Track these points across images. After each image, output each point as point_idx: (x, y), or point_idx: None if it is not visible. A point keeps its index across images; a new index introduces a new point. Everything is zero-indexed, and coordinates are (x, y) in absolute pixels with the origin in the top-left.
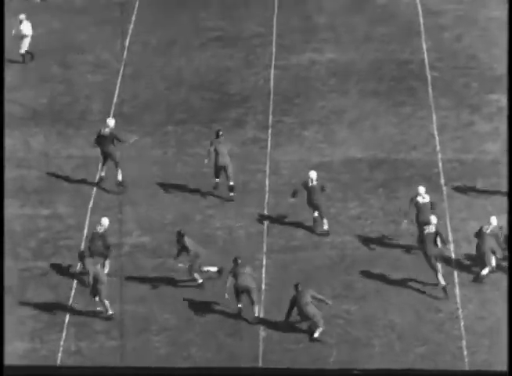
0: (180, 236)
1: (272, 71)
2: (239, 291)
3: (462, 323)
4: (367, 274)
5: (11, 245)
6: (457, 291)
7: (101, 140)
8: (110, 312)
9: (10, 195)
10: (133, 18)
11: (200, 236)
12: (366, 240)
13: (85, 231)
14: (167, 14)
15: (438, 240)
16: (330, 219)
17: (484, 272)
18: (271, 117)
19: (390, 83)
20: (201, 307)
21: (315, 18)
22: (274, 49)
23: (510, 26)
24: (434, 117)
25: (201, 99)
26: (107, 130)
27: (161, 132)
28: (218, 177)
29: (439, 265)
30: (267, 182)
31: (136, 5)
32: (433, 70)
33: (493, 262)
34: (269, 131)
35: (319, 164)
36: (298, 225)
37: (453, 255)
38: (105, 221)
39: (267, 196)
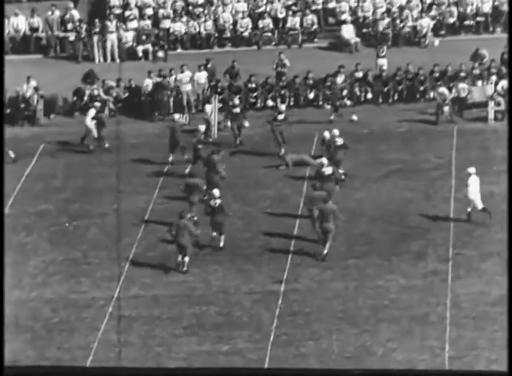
0: None
1: (452, 204)
2: None
3: None
4: None
5: None
6: None
7: None
8: None
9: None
10: None
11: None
12: None
13: (265, 364)
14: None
15: None
16: None
17: None
18: (451, 249)
19: None
20: None
21: (493, 149)
22: (453, 182)
23: None
24: None
25: (382, 231)
26: None
27: (342, 265)
28: None
29: None
30: (448, 315)
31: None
32: None
33: None
34: (450, 263)
35: (500, 297)
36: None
37: None
38: None
39: (448, 329)
